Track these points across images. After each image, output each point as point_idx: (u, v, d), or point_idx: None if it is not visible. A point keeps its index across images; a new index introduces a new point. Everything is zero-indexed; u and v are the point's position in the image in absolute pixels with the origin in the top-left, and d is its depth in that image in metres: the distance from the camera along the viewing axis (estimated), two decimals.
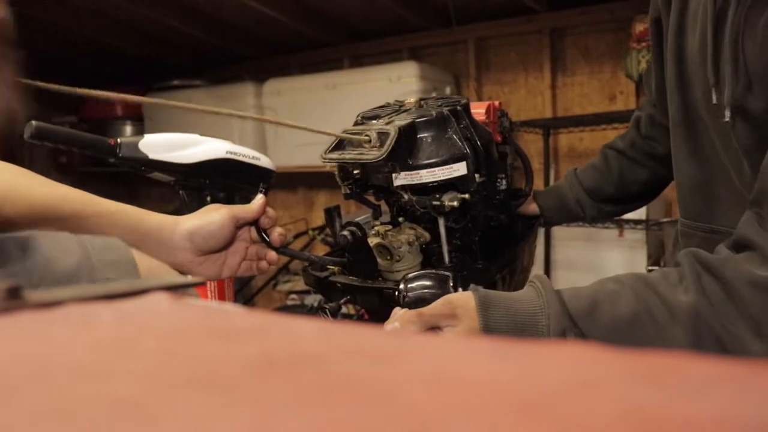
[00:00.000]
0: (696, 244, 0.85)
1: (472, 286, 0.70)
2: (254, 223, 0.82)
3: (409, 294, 0.77)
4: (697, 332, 0.62)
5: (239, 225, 0.79)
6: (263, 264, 0.85)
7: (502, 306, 0.66)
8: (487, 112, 1.10)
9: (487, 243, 0.94)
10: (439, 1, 2.64)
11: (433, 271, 0.80)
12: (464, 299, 0.67)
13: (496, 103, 1.14)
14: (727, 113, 0.71)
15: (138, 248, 0.70)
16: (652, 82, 0.99)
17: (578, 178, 1.19)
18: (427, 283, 0.78)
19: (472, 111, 0.92)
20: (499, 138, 1.07)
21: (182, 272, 0.76)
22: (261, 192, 0.84)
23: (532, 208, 1.19)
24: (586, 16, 2.61)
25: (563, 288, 0.68)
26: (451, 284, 0.77)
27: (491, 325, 0.65)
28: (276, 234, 0.83)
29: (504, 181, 1.01)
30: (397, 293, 0.78)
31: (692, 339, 0.61)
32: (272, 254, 0.85)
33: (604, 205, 1.18)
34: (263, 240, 0.83)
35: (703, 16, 0.76)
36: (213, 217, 0.76)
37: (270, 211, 0.83)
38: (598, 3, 2.55)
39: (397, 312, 0.69)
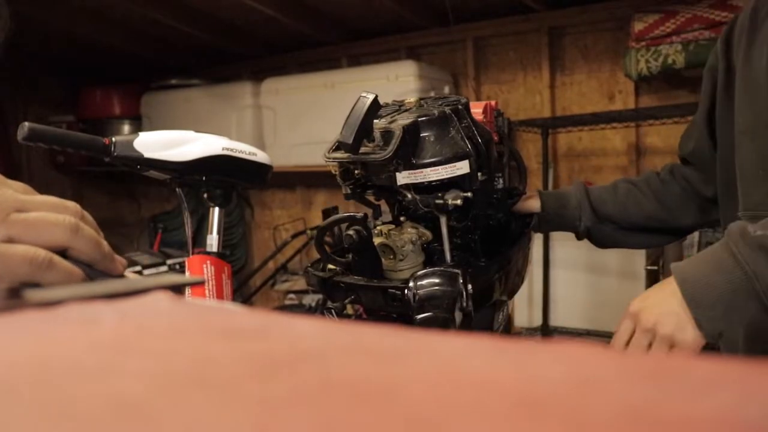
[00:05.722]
0: None
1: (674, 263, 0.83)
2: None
3: (419, 291, 0.78)
4: None
5: None
6: None
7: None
8: (485, 111, 1.11)
9: (485, 242, 0.94)
10: (437, 0, 2.64)
11: (441, 268, 0.80)
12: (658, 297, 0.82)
13: (493, 102, 1.14)
14: None
15: None
16: (691, 145, 1.11)
17: (585, 188, 1.21)
18: (437, 280, 0.78)
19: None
20: (496, 137, 1.07)
21: None
22: None
23: (528, 204, 1.19)
24: (585, 15, 2.61)
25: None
26: (461, 281, 0.78)
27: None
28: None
29: (501, 180, 1.01)
30: (407, 291, 0.78)
31: None
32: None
33: (602, 223, 1.19)
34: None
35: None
36: None
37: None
38: (597, 2, 2.55)
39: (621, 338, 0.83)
